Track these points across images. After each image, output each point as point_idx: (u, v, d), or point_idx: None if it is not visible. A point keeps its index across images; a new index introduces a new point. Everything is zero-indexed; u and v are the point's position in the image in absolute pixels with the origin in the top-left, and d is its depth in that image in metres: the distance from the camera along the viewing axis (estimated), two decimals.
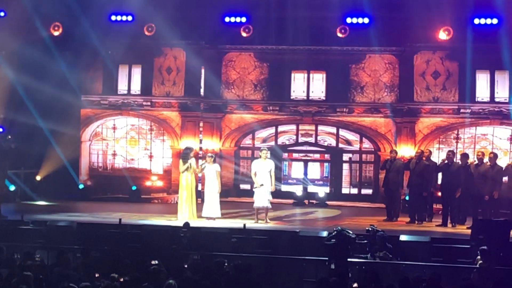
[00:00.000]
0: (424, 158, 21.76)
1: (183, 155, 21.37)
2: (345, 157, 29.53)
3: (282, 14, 27.21)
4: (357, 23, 26.59)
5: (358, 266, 14.56)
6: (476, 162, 21.22)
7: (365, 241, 15.87)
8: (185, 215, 20.49)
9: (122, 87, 29.60)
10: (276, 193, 22.39)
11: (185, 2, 27.05)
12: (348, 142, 29.48)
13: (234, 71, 28.96)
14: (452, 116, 27.28)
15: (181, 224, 17.59)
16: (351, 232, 14.59)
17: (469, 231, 17.57)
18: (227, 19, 27.24)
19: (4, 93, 25.91)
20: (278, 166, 26.01)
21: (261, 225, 19.91)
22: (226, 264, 12.95)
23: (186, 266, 12.88)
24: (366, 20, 26.42)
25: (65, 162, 27.48)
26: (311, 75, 28.66)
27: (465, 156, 21.69)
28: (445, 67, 27.43)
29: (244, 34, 27.54)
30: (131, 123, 29.90)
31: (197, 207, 21.04)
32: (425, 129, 27.47)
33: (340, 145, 29.18)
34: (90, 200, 26.84)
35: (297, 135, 29.31)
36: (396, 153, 23.02)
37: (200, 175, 21.39)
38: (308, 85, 28.64)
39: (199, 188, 23.29)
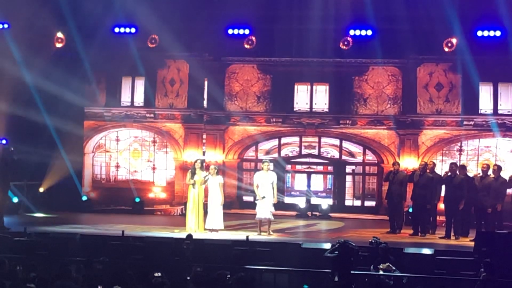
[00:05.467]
0: (428, 170, 21.73)
1: (192, 167, 21.39)
2: (348, 169, 29.52)
3: (285, 26, 27.27)
4: (360, 35, 26.56)
5: (361, 278, 14.53)
6: (481, 174, 21.18)
7: (368, 253, 15.84)
8: (191, 226, 20.52)
9: (125, 99, 29.67)
10: (279, 205, 22.40)
11: (188, 14, 27.08)
12: (351, 154, 29.46)
13: (237, 83, 28.96)
14: (455, 128, 27.25)
15: (184, 236, 17.58)
16: (354, 244, 14.56)
17: (472, 243, 17.57)
18: (230, 31, 27.22)
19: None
20: (281, 178, 26.05)
21: (264, 237, 19.90)
22: (228, 276, 12.90)
23: (188, 278, 12.85)
24: (369, 32, 26.40)
25: (71, 172, 27.49)
26: (314, 87, 28.65)
27: (462, 167, 21.71)
28: (448, 79, 27.43)
29: (247, 46, 27.55)
30: (134, 135, 29.93)
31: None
32: (428, 141, 27.45)
33: (343, 157, 29.12)
34: (93, 212, 26.84)
35: (300, 147, 29.28)
36: (399, 165, 23.02)
37: (203, 186, 21.30)
38: (311, 97, 28.63)
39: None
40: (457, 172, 21.43)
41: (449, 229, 20.96)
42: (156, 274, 12.84)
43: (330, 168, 30.08)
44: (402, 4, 25.52)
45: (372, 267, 15.03)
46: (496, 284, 13.64)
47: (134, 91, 29.59)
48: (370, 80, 28.10)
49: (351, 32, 26.57)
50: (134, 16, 26.95)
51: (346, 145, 29.07)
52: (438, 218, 22.13)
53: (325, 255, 14.48)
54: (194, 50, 28.12)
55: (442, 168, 25.70)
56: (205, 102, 29.01)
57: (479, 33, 25.53)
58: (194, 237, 17.44)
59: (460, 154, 27.46)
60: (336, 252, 14.17)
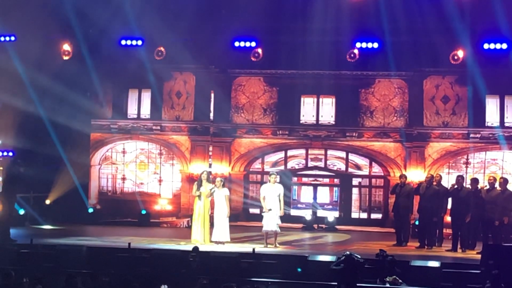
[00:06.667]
0: (434, 183, 21.69)
1: (198, 179, 21.38)
2: (355, 181, 29.50)
3: (291, 39, 27.26)
4: (367, 47, 26.45)
5: None
6: (487, 187, 21.14)
7: (374, 266, 15.81)
8: (197, 238, 20.49)
9: (131, 111, 29.73)
10: (285, 218, 22.35)
11: (195, 27, 27.12)
12: (358, 167, 29.42)
13: (243, 95, 29.00)
14: (461, 141, 27.24)
15: (190, 248, 17.56)
16: (359, 257, 14.54)
17: (479, 256, 17.52)
18: (236, 44, 27.14)
19: (14, 117, 26.04)
20: (287, 190, 25.98)
21: (270, 249, 19.85)
22: None
23: None
24: (375, 45, 26.31)
25: (77, 185, 27.48)
26: (320, 99, 28.67)
27: (475, 181, 21.55)
28: (454, 91, 27.43)
29: (253, 59, 27.48)
30: (141, 147, 29.97)
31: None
32: (435, 153, 27.43)
33: (350, 170, 29.09)
34: (99, 224, 26.77)
35: (306, 159, 29.27)
36: (406, 177, 22.94)
37: (209, 199, 21.26)
38: (318, 109, 28.65)
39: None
40: (464, 184, 21.42)
41: (455, 241, 20.90)
42: (162, 287, 12.84)
43: (336, 181, 30.04)
44: (408, 17, 25.49)
45: (378, 280, 15.01)
46: None
47: (140, 103, 29.66)
48: (376, 92, 28.11)
49: (357, 45, 26.46)
50: (140, 28, 26.97)
51: (353, 157, 29.05)
52: (444, 230, 22.07)
53: (331, 268, 14.47)
54: (201, 63, 28.14)
55: (448, 180, 25.60)
56: (211, 115, 29.04)
57: (486, 46, 25.40)
58: (200, 249, 17.42)
59: (466, 167, 27.42)
60: (342, 264, 14.15)
